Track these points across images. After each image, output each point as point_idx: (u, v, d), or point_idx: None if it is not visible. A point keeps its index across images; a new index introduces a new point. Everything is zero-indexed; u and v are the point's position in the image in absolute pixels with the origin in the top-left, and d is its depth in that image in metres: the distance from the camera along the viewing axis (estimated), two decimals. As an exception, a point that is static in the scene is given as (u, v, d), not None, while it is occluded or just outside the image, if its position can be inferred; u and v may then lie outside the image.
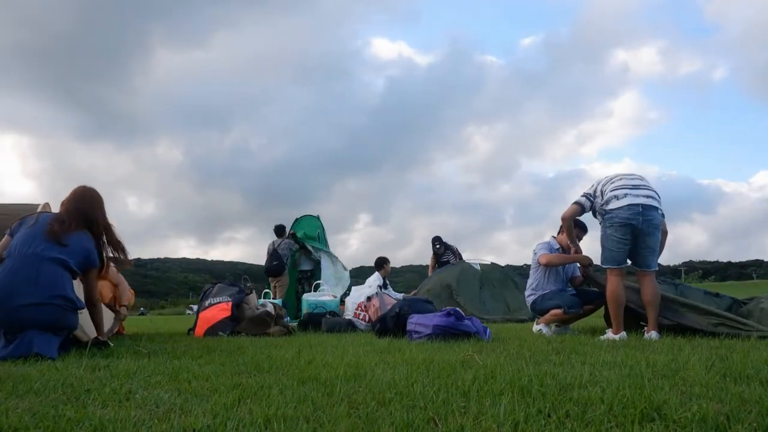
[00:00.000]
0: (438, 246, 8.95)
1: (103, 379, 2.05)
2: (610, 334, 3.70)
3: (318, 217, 9.66)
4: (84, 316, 3.46)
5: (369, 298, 5.97)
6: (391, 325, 4.24)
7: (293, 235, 8.96)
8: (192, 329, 5.10)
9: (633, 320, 4.08)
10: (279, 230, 8.83)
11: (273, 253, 8.57)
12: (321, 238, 9.33)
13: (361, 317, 5.85)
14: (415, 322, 3.89)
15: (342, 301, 6.70)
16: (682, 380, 1.80)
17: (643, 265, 3.81)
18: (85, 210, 3.19)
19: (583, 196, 4.09)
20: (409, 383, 1.81)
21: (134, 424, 1.32)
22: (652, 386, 1.68)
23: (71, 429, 1.31)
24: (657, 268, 3.85)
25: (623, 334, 3.68)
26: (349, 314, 6.03)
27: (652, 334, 3.59)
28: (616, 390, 1.60)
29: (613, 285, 3.80)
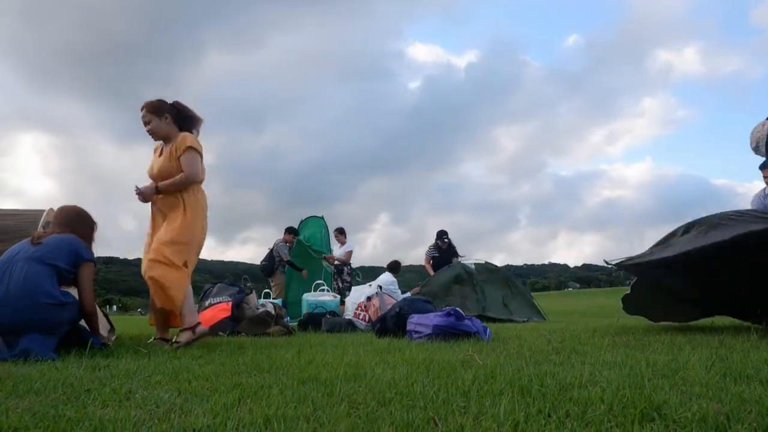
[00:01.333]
0: (445, 239, 8.90)
1: (103, 379, 2.05)
2: None
3: (322, 218, 9.67)
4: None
5: (369, 298, 5.98)
6: (391, 325, 4.24)
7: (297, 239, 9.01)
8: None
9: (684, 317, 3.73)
10: (289, 231, 8.82)
11: (268, 253, 8.61)
12: (324, 239, 9.33)
13: (361, 317, 5.85)
14: (415, 322, 3.89)
15: (342, 301, 6.70)
16: (682, 380, 1.80)
17: None
18: (69, 222, 3.18)
19: None
20: (409, 383, 1.80)
21: (134, 424, 1.32)
22: (652, 386, 1.68)
23: (71, 429, 1.31)
24: None
25: None
26: (349, 314, 6.03)
27: None
28: (616, 390, 1.60)
29: None
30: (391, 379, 1.91)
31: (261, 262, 8.67)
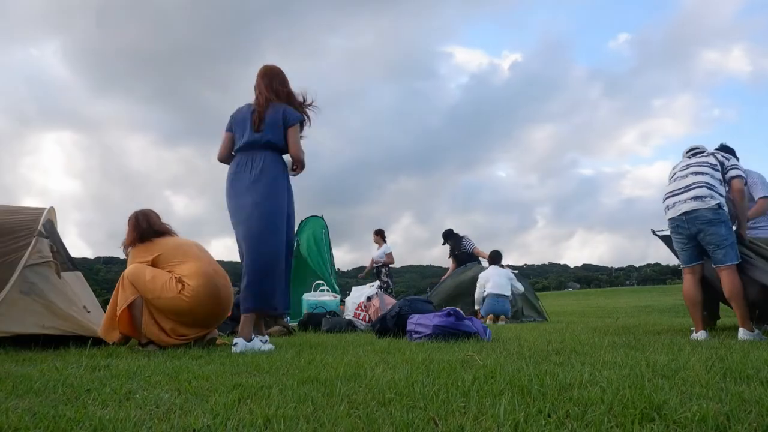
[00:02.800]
0: (450, 240, 8.95)
1: (103, 379, 2.05)
2: (694, 334, 3.67)
3: (322, 217, 9.64)
4: (87, 316, 3.48)
5: (369, 298, 5.98)
6: (391, 325, 4.24)
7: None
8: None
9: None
10: None
11: None
12: (325, 239, 9.28)
13: (361, 317, 5.85)
14: (415, 322, 3.89)
15: (342, 301, 6.70)
16: (682, 380, 1.80)
17: (714, 263, 3.68)
18: (269, 84, 3.44)
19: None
20: (409, 383, 1.80)
21: (134, 424, 1.32)
22: (652, 386, 1.67)
23: (71, 429, 1.31)
24: (733, 261, 3.57)
25: (702, 332, 3.61)
26: (349, 314, 6.03)
27: (739, 332, 3.47)
28: (616, 390, 1.60)
29: (685, 284, 3.87)
30: (391, 379, 1.91)
31: None
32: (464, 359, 2.46)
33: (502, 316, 6.72)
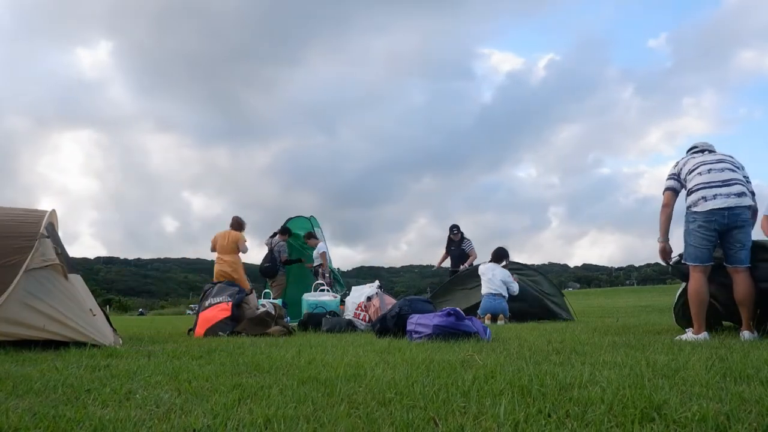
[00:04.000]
0: (455, 233, 8.95)
1: (103, 379, 2.05)
2: (690, 334, 3.50)
3: (310, 219, 9.53)
4: (92, 319, 3.48)
5: (369, 298, 5.97)
6: (391, 325, 4.24)
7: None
8: (192, 329, 5.10)
9: (712, 319, 3.86)
10: (284, 230, 8.76)
11: (268, 254, 8.51)
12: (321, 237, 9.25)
13: (361, 317, 5.85)
14: (415, 322, 3.89)
15: (342, 301, 6.70)
16: (682, 380, 1.80)
17: (734, 262, 3.54)
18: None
19: (669, 178, 3.88)
20: (409, 383, 1.80)
21: (134, 424, 1.32)
22: (652, 386, 1.68)
23: (71, 429, 1.31)
24: (749, 265, 3.52)
25: (705, 334, 3.47)
26: (349, 314, 6.03)
27: (745, 334, 3.40)
28: (616, 390, 1.60)
29: (695, 283, 3.58)
30: (391, 379, 1.91)
31: (262, 263, 8.58)
32: (464, 359, 2.46)
33: (501, 315, 6.69)
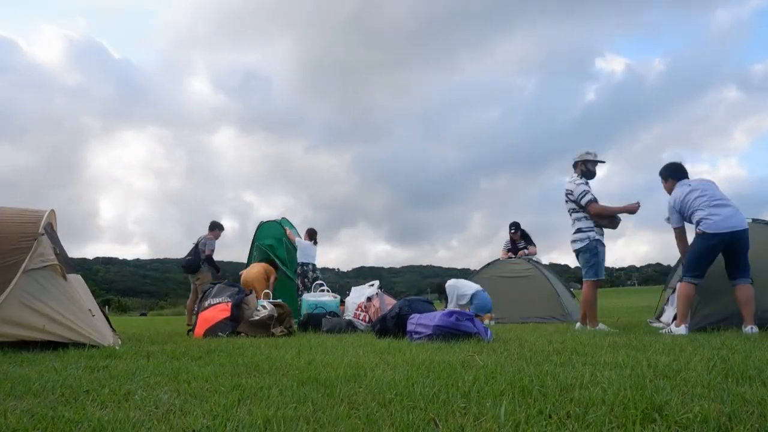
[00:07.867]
0: (513, 231, 8.85)
1: (102, 379, 2.04)
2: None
3: (280, 222, 9.26)
4: (91, 320, 3.47)
5: (369, 299, 5.97)
6: (391, 325, 4.23)
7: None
8: (191, 330, 5.10)
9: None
10: (213, 226, 8.38)
11: (193, 248, 8.07)
12: (286, 244, 8.97)
13: (361, 317, 5.84)
14: (415, 322, 3.88)
15: (342, 302, 6.69)
16: (683, 381, 1.79)
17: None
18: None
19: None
20: (410, 384, 1.80)
21: (133, 425, 1.32)
22: (654, 387, 1.67)
23: (70, 430, 1.30)
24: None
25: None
26: (349, 314, 6.02)
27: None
28: (617, 391, 1.59)
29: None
30: (392, 379, 1.91)
31: (185, 256, 8.04)
32: (465, 360, 2.46)
33: (491, 315, 6.64)
